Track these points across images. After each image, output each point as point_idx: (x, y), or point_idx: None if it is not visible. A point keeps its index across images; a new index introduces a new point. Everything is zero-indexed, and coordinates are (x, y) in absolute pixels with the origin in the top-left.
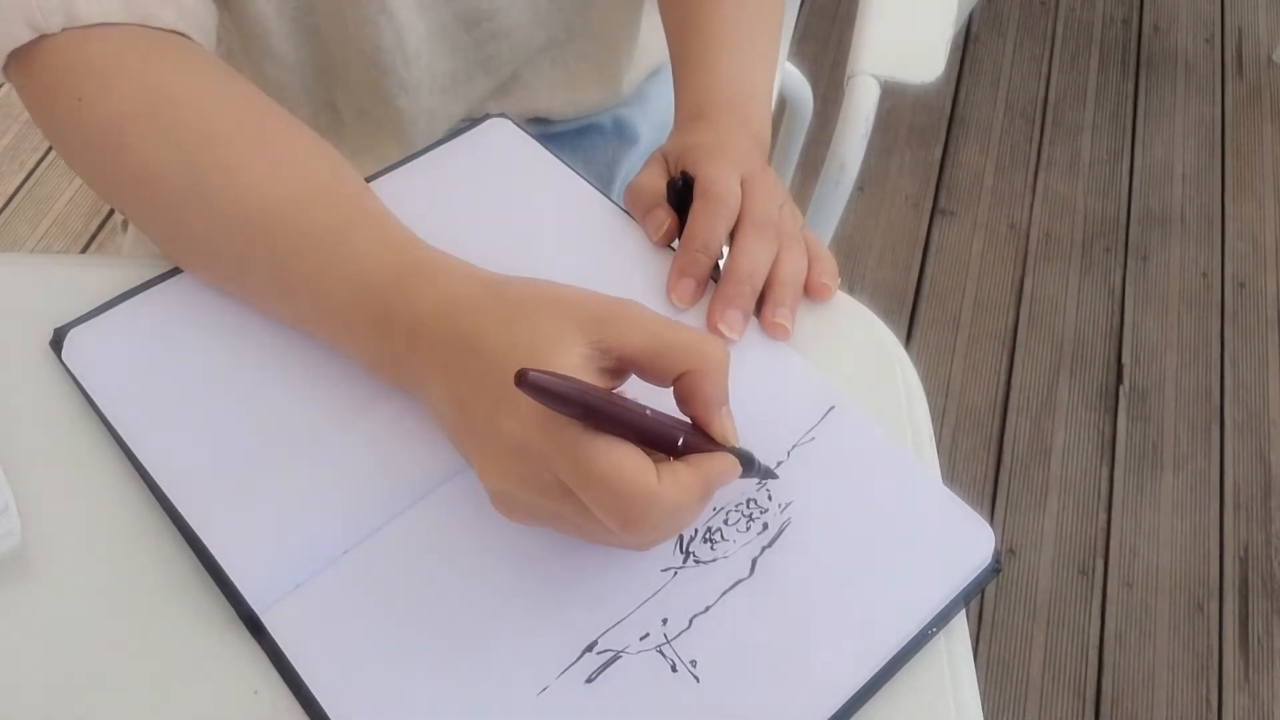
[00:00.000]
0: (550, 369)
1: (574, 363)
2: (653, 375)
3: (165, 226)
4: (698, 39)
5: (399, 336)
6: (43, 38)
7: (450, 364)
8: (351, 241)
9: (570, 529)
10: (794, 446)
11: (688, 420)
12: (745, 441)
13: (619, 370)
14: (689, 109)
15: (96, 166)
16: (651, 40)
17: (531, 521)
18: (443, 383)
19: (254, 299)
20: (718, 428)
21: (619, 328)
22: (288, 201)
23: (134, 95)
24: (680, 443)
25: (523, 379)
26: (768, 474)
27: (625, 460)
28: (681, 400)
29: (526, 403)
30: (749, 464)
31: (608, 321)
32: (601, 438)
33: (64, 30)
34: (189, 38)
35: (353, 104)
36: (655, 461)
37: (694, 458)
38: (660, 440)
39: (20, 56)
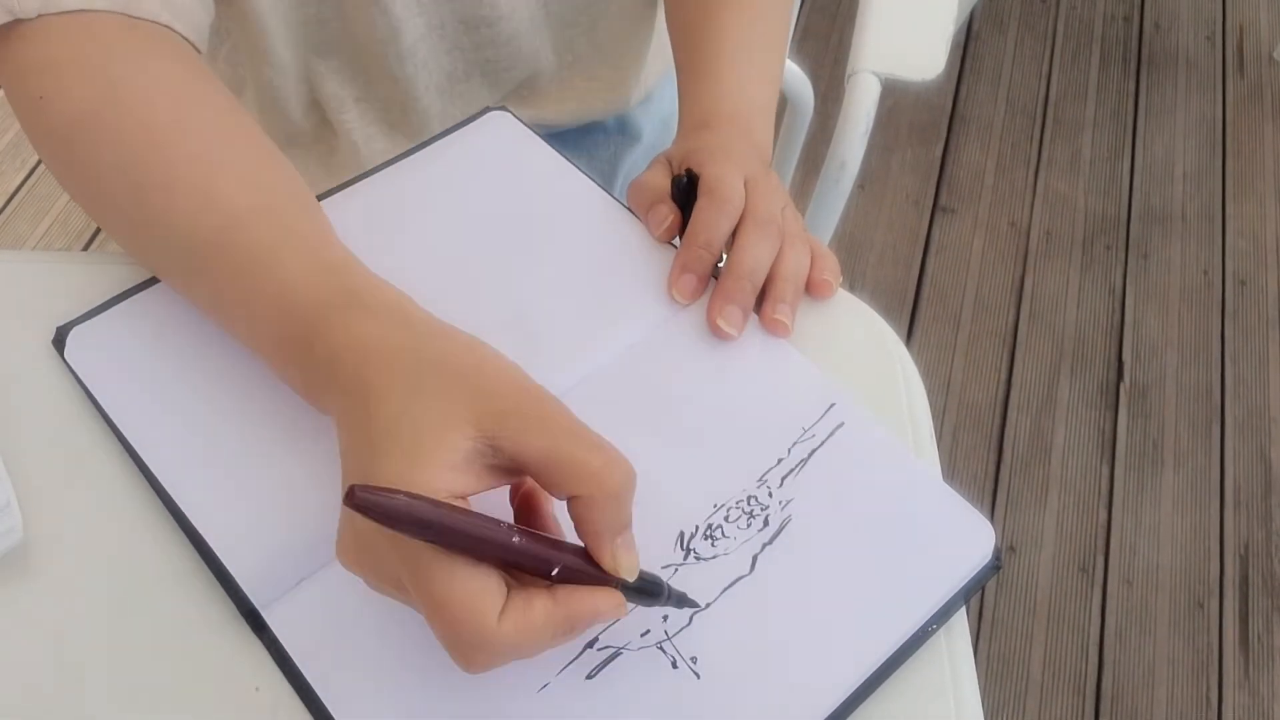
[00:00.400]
0: (405, 475)
1: (455, 457)
2: (545, 488)
3: (118, 237)
4: (703, 51)
5: (321, 367)
6: (17, 23)
7: (346, 414)
8: (284, 263)
9: None
10: (794, 444)
11: (580, 545)
12: (744, 440)
13: (513, 470)
14: (693, 120)
15: (53, 165)
16: (658, 51)
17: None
18: (341, 427)
19: (204, 314)
20: (607, 560)
21: (517, 427)
22: (222, 227)
23: (87, 96)
24: (555, 572)
25: (350, 497)
26: (685, 602)
27: (458, 591)
28: (574, 521)
29: None
30: (654, 593)
31: (507, 416)
32: (443, 559)
33: (39, 16)
34: (174, 30)
35: (349, 104)
36: (523, 585)
37: (562, 592)
38: (528, 568)
39: None
